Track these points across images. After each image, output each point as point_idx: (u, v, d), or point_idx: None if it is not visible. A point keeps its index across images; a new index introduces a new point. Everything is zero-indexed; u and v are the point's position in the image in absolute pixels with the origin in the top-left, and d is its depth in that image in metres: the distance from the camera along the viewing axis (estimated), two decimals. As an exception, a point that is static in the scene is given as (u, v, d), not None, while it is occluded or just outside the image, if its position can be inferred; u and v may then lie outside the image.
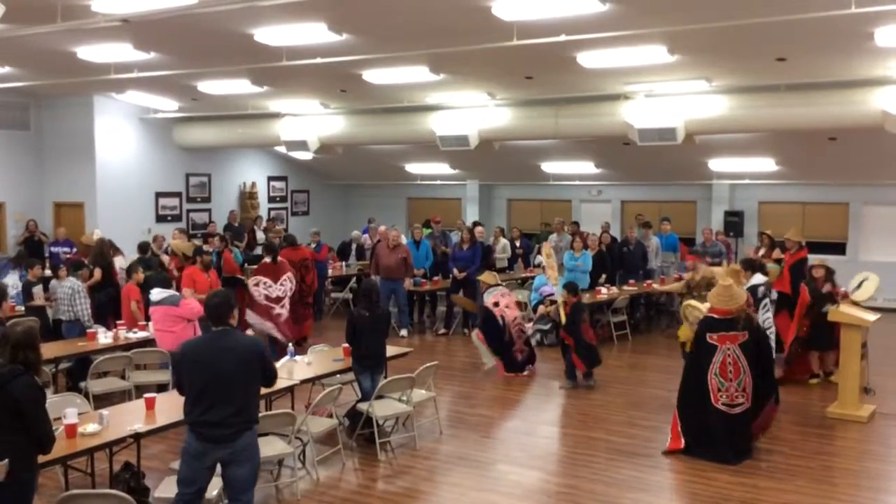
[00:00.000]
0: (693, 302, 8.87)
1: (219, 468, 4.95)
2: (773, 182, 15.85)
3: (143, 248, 11.84)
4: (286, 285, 10.70)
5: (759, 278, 8.59)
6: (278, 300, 10.62)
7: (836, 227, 15.87)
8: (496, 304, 10.19)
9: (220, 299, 5.01)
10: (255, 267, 13.98)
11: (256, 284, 10.61)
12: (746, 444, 7.20)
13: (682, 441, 7.24)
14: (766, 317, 8.14)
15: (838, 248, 15.91)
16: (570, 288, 9.74)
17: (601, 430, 8.04)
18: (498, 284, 10.68)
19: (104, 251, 11.18)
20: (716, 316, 7.22)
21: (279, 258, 11.08)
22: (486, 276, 10.79)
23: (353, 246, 15.86)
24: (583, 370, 9.57)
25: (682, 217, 16.44)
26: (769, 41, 9.12)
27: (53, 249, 14.25)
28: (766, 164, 14.94)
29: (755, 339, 7.22)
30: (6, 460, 4.13)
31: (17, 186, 15.50)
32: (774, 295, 9.41)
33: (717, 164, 15.37)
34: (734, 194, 16.45)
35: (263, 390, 6.85)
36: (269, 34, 9.36)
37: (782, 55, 9.70)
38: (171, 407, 6.18)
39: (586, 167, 16.68)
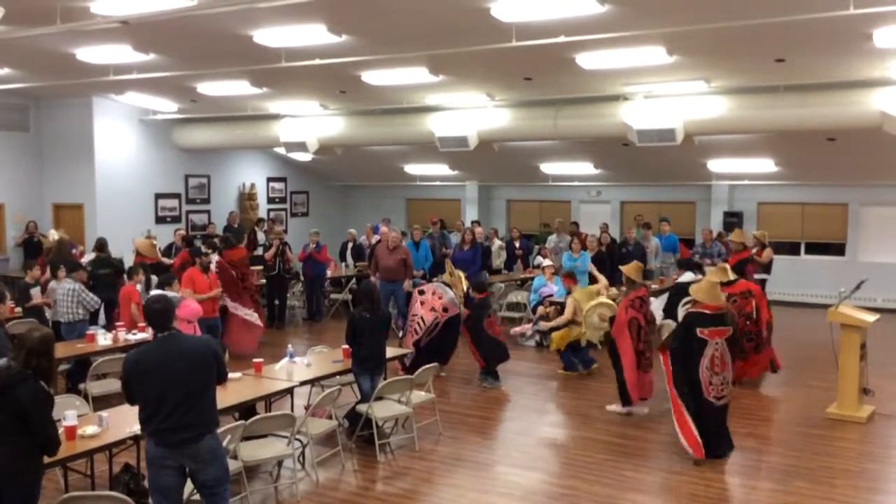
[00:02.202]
0: (604, 300, 9.59)
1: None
2: (772, 183, 15.86)
3: (100, 246, 11.86)
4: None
5: (688, 276, 8.70)
6: None
7: (836, 227, 15.88)
8: (421, 293, 9.99)
9: (163, 305, 4.92)
10: (254, 268, 14.11)
11: None
12: (729, 436, 7.38)
13: (702, 448, 7.12)
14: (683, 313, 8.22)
15: (838, 249, 15.93)
16: (478, 286, 10.10)
17: (600, 431, 8.05)
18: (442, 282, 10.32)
19: (63, 251, 11.30)
20: (707, 312, 7.32)
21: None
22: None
23: (350, 245, 15.83)
24: (481, 365, 9.66)
25: (681, 218, 16.46)
26: (768, 42, 9.12)
27: (53, 251, 14.23)
28: (766, 164, 14.94)
29: (735, 334, 7.48)
30: None
31: (17, 188, 15.50)
32: None
33: (716, 164, 15.38)
34: (733, 195, 16.46)
35: (261, 392, 6.92)
36: (269, 35, 9.36)
37: (781, 56, 9.71)
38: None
39: (585, 168, 16.68)
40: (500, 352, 9.84)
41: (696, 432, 7.11)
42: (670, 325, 7.79)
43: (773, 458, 7.30)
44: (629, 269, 8.77)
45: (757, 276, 13.95)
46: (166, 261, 12.74)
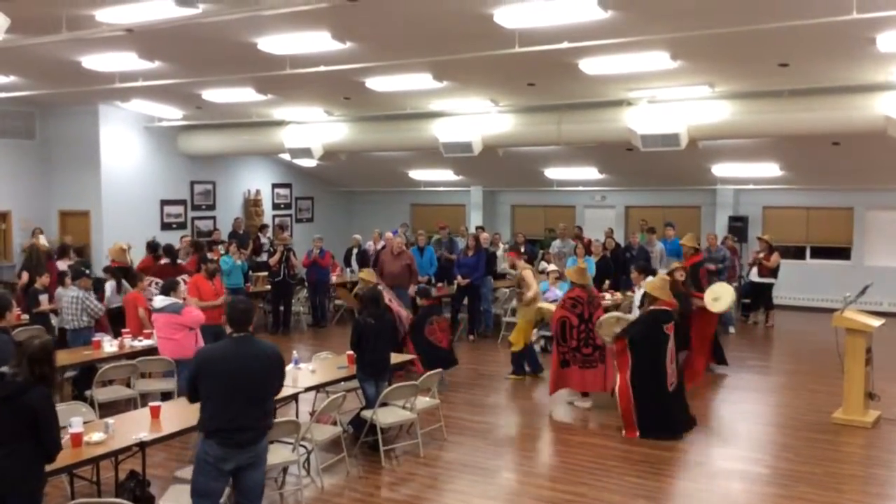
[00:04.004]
0: (544, 305, 10.11)
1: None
2: (777, 187, 15.84)
3: (78, 251, 11.96)
4: None
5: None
6: None
7: (841, 231, 15.84)
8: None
9: (247, 305, 5.08)
10: (259, 274, 14.15)
11: (149, 284, 10.69)
12: (688, 416, 8.14)
13: (637, 430, 7.92)
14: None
15: (843, 253, 15.89)
16: (423, 293, 10.17)
17: (606, 437, 8.04)
18: (378, 284, 9.84)
19: (35, 257, 11.43)
20: (667, 308, 8.02)
21: (179, 263, 11.78)
22: (365, 274, 10.22)
23: (354, 251, 15.84)
24: (419, 370, 9.42)
25: (686, 222, 16.41)
26: (771, 47, 9.13)
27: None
28: (770, 169, 14.93)
29: (678, 324, 8.23)
30: None
31: (23, 195, 15.54)
32: None
33: (720, 169, 15.37)
34: (738, 199, 16.44)
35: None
36: (273, 43, 9.39)
37: (785, 61, 9.71)
38: (175, 415, 6.21)
39: (590, 173, 16.69)
40: (437, 359, 9.55)
41: (635, 416, 7.91)
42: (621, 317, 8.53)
43: (778, 463, 7.28)
44: (569, 272, 9.43)
45: (764, 280, 14.01)
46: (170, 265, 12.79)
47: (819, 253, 16.25)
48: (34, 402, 4.27)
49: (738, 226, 15.87)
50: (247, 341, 4.94)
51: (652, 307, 8.04)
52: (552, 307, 9.82)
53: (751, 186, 16.08)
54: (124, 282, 10.45)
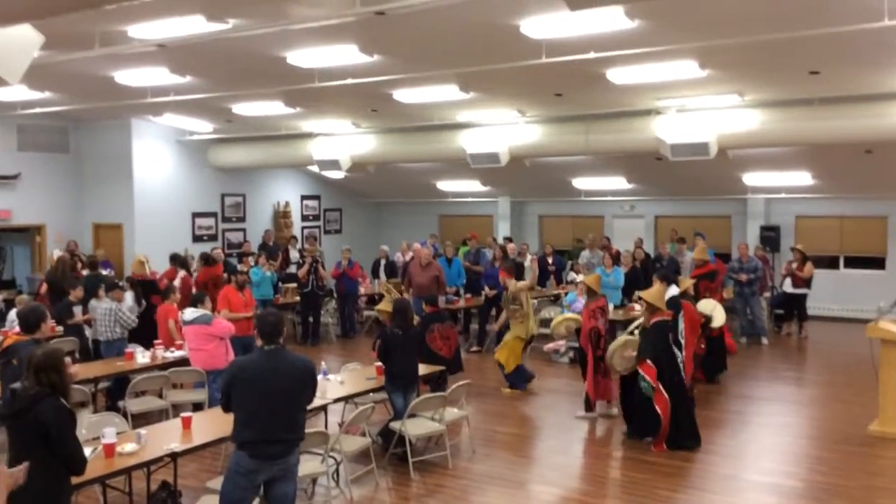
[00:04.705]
0: (569, 315, 10.24)
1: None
2: (809, 196, 15.62)
3: (92, 264, 12.16)
4: None
5: (673, 290, 8.86)
6: None
7: (875, 241, 15.57)
8: None
9: (276, 318, 5.09)
10: (288, 286, 14.25)
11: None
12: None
13: (665, 443, 7.82)
14: (681, 328, 8.30)
15: (877, 263, 15.62)
16: (429, 300, 10.07)
17: (635, 448, 7.96)
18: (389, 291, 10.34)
19: (62, 269, 11.65)
20: (668, 319, 7.98)
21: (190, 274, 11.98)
22: (384, 305, 10.15)
23: (382, 262, 15.86)
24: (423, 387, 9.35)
25: (716, 232, 16.26)
26: (802, 55, 9.03)
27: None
28: (802, 177, 14.74)
29: None
30: (26, 463, 4.04)
31: (58, 208, 15.85)
32: None
33: (751, 178, 15.20)
34: (770, 209, 16.24)
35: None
36: (302, 56, 9.49)
37: (815, 68, 9.60)
38: (207, 426, 6.26)
39: (618, 183, 16.60)
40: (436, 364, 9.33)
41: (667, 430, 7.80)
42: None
43: (813, 476, 7.16)
44: (590, 280, 9.30)
45: (798, 291, 13.80)
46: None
47: (853, 263, 15.98)
48: (44, 414, 4.15)
49: (770, 235, 15.65)
50: (278, 353, 4.95)
51: (655, 319, 7.94)
52: (571, 321, 9.91)
53: (783, 195, 15.87)
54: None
